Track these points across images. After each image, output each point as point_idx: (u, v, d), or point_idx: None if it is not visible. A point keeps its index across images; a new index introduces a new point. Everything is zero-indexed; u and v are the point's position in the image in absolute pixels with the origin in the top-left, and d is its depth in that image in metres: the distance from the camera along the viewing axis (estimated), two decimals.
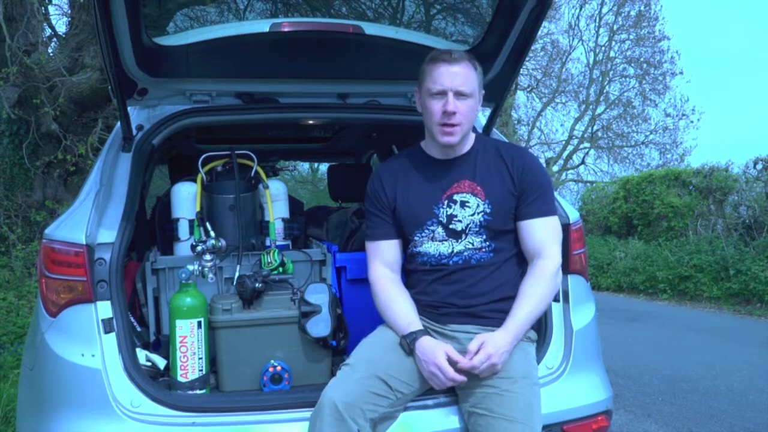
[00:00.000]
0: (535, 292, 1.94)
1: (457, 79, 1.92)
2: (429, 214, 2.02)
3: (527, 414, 1.80)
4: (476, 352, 1.83)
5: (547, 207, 2.02)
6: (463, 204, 2.00)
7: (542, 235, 2.00)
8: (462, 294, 2.00)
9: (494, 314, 1.98)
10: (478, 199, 2.00)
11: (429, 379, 1.88)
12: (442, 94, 1.93)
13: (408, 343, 1.90)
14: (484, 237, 1.99)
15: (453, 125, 1.94)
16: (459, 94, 1.93)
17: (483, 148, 2.08)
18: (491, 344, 1.84)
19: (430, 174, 2.06)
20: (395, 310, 1.98)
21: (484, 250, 2.00)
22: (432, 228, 2.01)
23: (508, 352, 1.87)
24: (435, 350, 1.85)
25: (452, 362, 1.86)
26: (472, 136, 2.11)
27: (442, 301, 2.01)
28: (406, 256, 2.11)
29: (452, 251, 2.00)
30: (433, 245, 2.01)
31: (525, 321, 1.93)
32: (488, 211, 1.98)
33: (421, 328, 1.94)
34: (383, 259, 2.07)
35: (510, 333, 1.88)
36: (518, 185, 2.00)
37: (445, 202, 2.01)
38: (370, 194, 2.12)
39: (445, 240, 2.00)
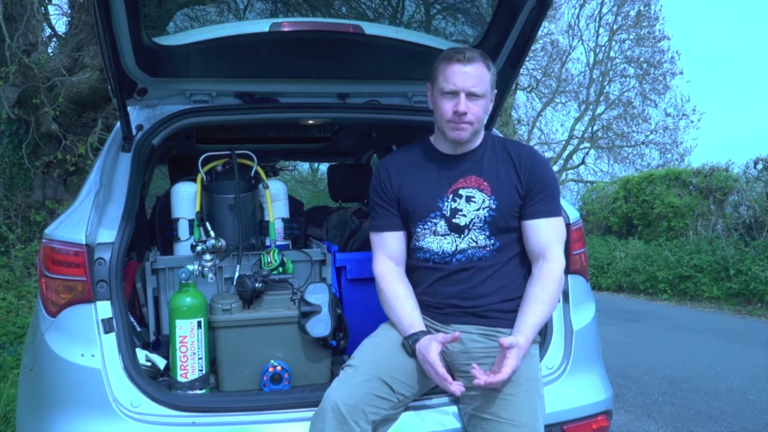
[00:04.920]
0: (544, 296, 1.93)
1: (469, 80, 1.92)
2: (433, 207, 2.01)
3: (532, 418, 1.80)
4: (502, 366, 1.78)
5: (552, 207, 2.02)
6: (468, 199, 2.00)
7: (546, 235, 1.99)
8: (464, 295, 1.99)
9: (497, 314, 1.98)
10: (484, 194, 1.99)
11: (431, 377, 1.88)
12: (454, 94, 1.93)
13: (410, 345, 1.90)
14: (488, 233, 1.98)
15: (464, 122, 1.95)
16: (471, 95, 1.93)
17: (491, 145, 2.08)
18: (516, 356, 1.79)
19: (437, 168, 2.06)
20: (399, 310, 1.97)
21: (488, 248, 1.99)
22: (435, 221, 2.01)
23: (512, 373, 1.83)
24: (429, 347, 1.85)
25: (454, 370, 1.84)
26: (482, 133, 2.10)
27: (445, 303, 2.01)
28: (408, 251, 2.10)
29: (456, 249, 1.99)
30: (436, 240, 2.01)
31: (539, 325, 1.92)
32: (493, 206, 1.98)
33: (423, 328, 1.93)
34: (388, 252, 2.06)
35: (528, 340, 1.87)
36: (525, 184, 2.00)
37: (450, 196, 2.01)
38: (376, 185, 2.11)
39: (448, 234, 2.00)
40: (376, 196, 2.10)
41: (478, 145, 2.07)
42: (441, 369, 1.82)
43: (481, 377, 1.76)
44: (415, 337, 1.90)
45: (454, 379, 1.97)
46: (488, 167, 2.03)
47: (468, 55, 1.93)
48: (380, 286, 2.04)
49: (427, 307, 2.03)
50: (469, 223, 1.99)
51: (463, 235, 1.99)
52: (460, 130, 1.96)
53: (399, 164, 2.11)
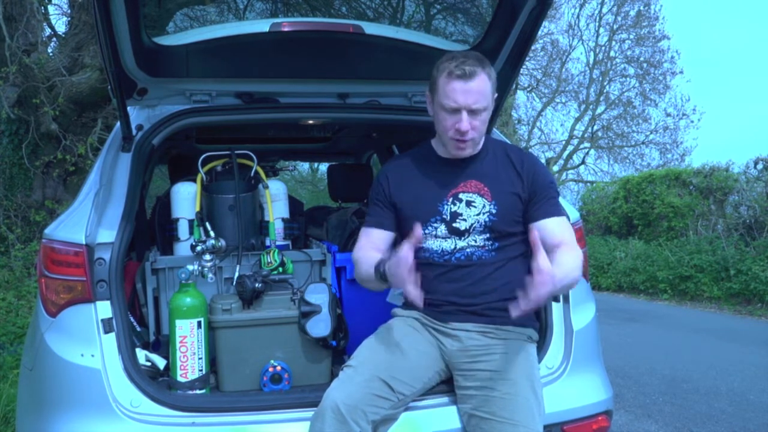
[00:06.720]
0: (571, 260, 1.88)
1: (471, 97, 1.88)
2: (433, 212, 2.02)
3: (529, 417, 1.80)
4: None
5: (558, 208, 2.03)
6: (469, 203, 2.00)
7: (559, 231, 1.98)
8: (462, 292, 1.99)
9: (496, 312, 1.98)
10: (484, 199, 2.00)
11: (393, 277, 1.82)
12: (456, 111, 1.91)
13: (380, 270, 1.88)
14: (488, 236, 1.99)
15: (465, 141, 1.95)
16: (473, 111, 1.91)
17: (492, 149, 2.09)
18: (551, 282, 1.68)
19: (437, 172, 2.07)
20: (370, 259, 1.97)
21: (486, 248, 2.00)
22: (435, 225, 2.01)
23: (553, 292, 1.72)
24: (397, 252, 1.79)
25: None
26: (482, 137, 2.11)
27: (443, 300, 2.01)
28: None
29: (455, 247, 2.00)
30: (436, 242, 2.01)
31: (567, 275, 1.83)
32: (494, 212, 1.98)
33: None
34: (373, 244, 2.08)
35: (561, 276, 1.76)
36: (528, 188, 2.00)
37: (450, 200, 2.02)
38: (376, 185, 2.14)
39: (448, 237, 2.00)
40: (374, 194, 2.13)
41: (479, 150, 2.07)
42: (406, 259, 1.74)
43: (519, 305, 1.67)
44: (382, 260, 1.89)
45: (453, 378, 1.98)
46: (489, 172, 2.03)
47: (468, 71, 1.87)
48: (355, 256, 2.06)
49: (425, 305, 2.02)
50: (470, 227, 1.99)
51: (463, 238, 2.00)
52: (461, 149, 1.98)
53: (400, 169, 2.12)
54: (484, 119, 1.95)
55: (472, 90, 1.89)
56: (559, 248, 1.95)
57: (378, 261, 1.93)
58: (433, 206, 2.02)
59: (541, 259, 1.68)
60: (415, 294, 1.76)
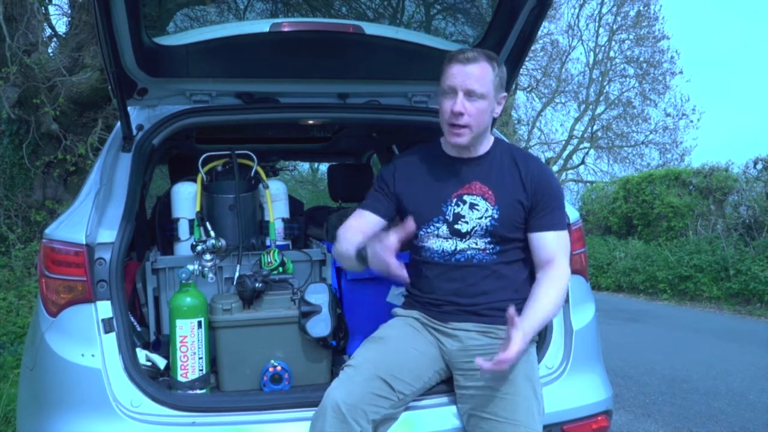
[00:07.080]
0: (550, 295, 1.92)
1: (468, 79, 1.90)
2: (436, 211, 2.02)
3: (529, 416, 1.80)
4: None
5: (560, 221, 2.03)
6: (472, 206, 2.00)
7: (554, 247, 1.99)
8: (463, 293, 2.00)
9: (496, 312, 1.97)
10: (487, 203, 2.00)
11: (374, 259, 1.80)
12: (453, 92, 1.92)
13: (363, 253, 1.85)
14: (489, 240, 1.99)
15: (461, 126, 1.94)
16: (470, 94, 1.91)
17: (500, 152, 2.08)
18: (522, 340, 1.74)
19: (443, 171, 2.07)
20: (351, 237, 1.96)
21: (487, 251, 2.00)
22: (437, 225, 2.02)
23: (519, 355, 1.77)
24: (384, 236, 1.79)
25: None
26: (491, 138, 2.10)
27: (443, 299, 2.01)
28: (411, 250, 2.11)
29: (455, 249, 2.00)
30: (438, 242, 2.02)
31: (542, 320, 1.90)
32: (496, 216, 1.98)
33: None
34: (361, 226, 2.05)
35: (533, 329, 1.84)
36: (531, 196, 2.00)
37: (454, 201, 2.02)
38: (381, 176, 2.15)
39: (450, 238, 2.01)
40: (378, 183, 2.14)
41: (487, 152, 2.07)
42: (390, 248, 1.74)
43: (486, 364, 1.70)
44: (364, 245, 1.86)
45: (452, 377, 1.99)
46: (495, 176, 2.03)
47: (469, 55, 1.92)
48: (339, 232, 2.03)
49: (425, 305, 2.04)
50: (471, 230, 1.99)
51: (464, 240, 2.00)
52: (457, 136, 1.96)
53: (408, 166, 2.12)
54: (481, 107, 1.93)
55: (469, 73, 1.90)
56: (550, 266, 1.97)
57: (361, 245, 1.89)
58: (437, 206, 2.02)
59: (512, 345, 1.71)
60: (400, 272, 1.75)
